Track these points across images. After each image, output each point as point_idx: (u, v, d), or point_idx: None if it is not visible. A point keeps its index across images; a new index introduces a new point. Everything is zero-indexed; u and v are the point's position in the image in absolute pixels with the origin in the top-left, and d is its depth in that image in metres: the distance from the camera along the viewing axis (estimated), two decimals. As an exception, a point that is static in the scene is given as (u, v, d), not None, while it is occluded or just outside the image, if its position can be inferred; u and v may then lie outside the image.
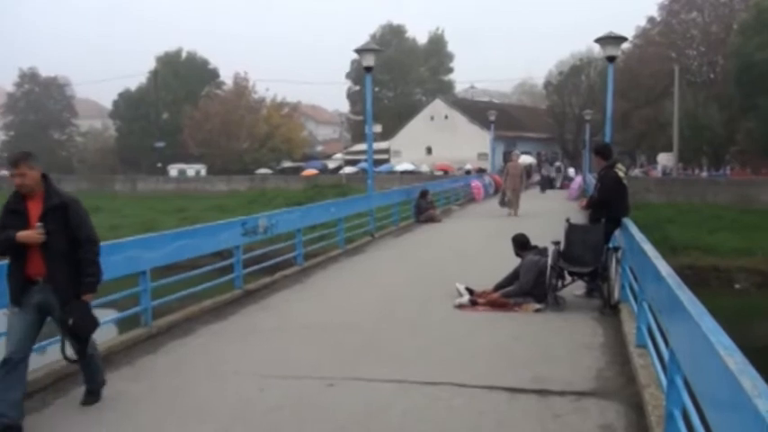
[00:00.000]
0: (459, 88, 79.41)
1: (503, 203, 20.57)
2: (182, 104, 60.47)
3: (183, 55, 68.15)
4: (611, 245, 8.64)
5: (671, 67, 43.66)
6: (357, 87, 68.78)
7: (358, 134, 64.08)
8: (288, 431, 4.82)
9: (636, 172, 48.97)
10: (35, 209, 4.82)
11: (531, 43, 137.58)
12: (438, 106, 60.38)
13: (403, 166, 53.23)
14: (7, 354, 4.75)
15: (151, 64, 67.03)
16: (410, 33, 75.93)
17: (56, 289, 4.82)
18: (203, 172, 55.71)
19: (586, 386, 5.56)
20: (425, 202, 19.70)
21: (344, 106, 76.64)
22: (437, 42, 76.86)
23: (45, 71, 73.76)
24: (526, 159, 45.45)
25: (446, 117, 58.55)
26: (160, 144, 55.98)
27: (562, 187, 37.53)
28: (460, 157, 52.39)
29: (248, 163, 56.51)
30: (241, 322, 8.10)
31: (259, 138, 58.69)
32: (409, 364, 6.23)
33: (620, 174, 8.81)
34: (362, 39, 72.37)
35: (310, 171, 52.76)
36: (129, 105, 66.51)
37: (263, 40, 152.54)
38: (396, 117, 64.36)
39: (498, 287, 8.68)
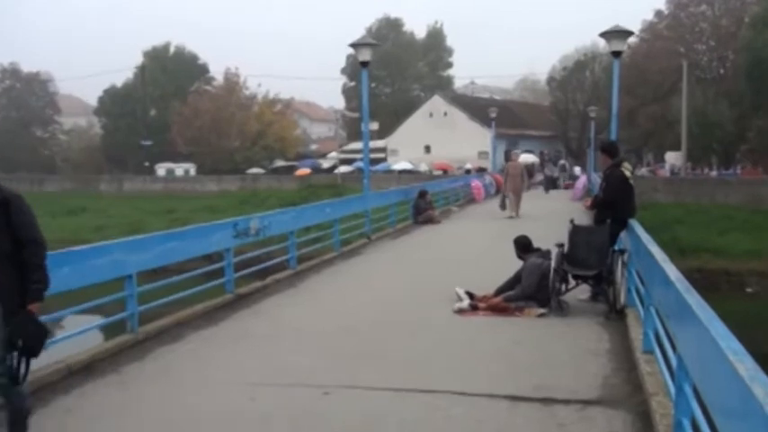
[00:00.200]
0: (459, 84, 79.52)
1: (503, 206, 20.57)
2: (170, 101, 60.28)
3: (172, 49, 67.97)
4: (616, 247, 8.65)
5: (679, 63, 43.76)
6: (353, 83, 68.75)
7: (354, 132, 63.96)
8: (280, 441, 4.82)
9: (643, 171, 49.05)
10: None
11: (534, 37, 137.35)
12: (437, 103, 60.36)
13: (400, 165, 53.19)
14: None
15: (138, 59, 66.91)
16: (408, 27, 75.89)
17: None
18: (192, 171, 55.59)
19: (592, 394, 5.57)
20: (424, 203, 19.70)
21: (340, 103, 76.63)
22: (436, 36, 76.83)
23: (27, 66, 73.70)
24: (528, 158, 45.58)
25: (445, 114, 58.55)
26: (147, 142, 55.85)
27: (566, 187, 37.60)
28: (460, 155, 52.37)
29: (239, 162, 56.41)
30: (232, 328, 8.09)
31: (251, 136, 58.59)
32: (407, 371, 6.23)
33: (627, 173, 8.82)
34: (358, 32, 72.54)
35: (303, 171, 52.72)
36: (115, 102, 66.33)
37: (255, 34, 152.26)
38: (393, 114, 64.33)
39: (499, 291, 8.68)
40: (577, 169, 44.04)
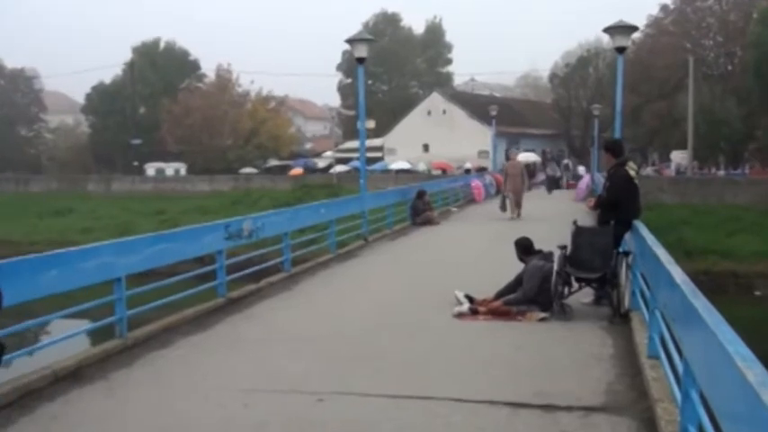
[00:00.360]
0: (459, 81, 79.57)
1: (503, 207, 20.58)
2: (160, 98, 60.21)
3: (162, 45, 67.85)
4: (621, 249, 8.66)
5: (685, 59, 43.83)
6: (349, 80, 68.75)
7: (350, 130, 64.11)
8: (274, 450, 4.81)
9: (648, 171, 49.14)
10: None
11: (536, 33, 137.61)
12: (436, 100, 60.39)
13: (398, 164, 53.21)
14: None
15: (127, 55, 66.84)
16: (405, 22, 75.96)
17: None
18: (183, 171, 55.56)
19: (595, 401, 5.57)
20: (422, 204, 19.71)
21: (335, 100, 76.71)
22: (434, 32, 76.89)
23: (11, 62, 73.59)
24: (530, 157, 45.63)
25: (444, 112, 58.58)
26: (136, 141, 55.79)
27: (569, 187, 37.65)
28: (460, 154, 52.41)
29: (232, 161, 56.38)
30: (224, 333, 8.09)
31: (243, 134, 58.58)
32: (404, 377, 6.23)
33: (632, 172, 8.84)
34: (354, 28, 72.69)
35: (296, 171, 52.71)
36: (103, 99, 66.22)
37: (248, 30, 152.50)
38: (390, 112, 64.32)
39: (500, 294, 8.68)
40: (581, 169, 44.09)
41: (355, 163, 45.00)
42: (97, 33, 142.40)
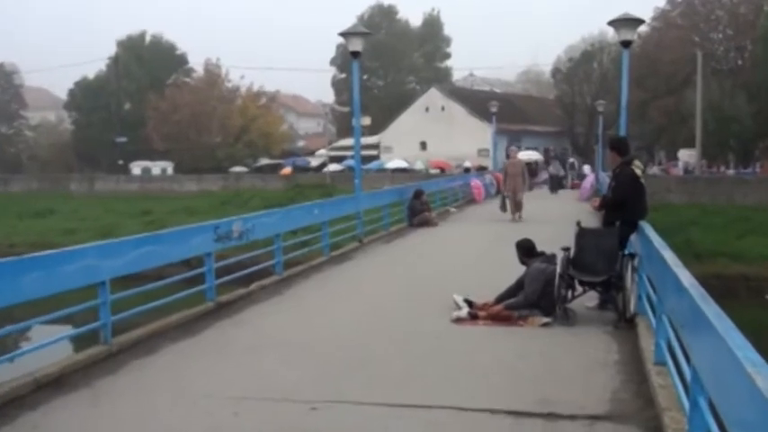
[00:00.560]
0: (458, 76, 79.72)
1: (503, 208, 20.59)
2: (146, 94, 60.12)
3: (148, 39, 67.90)
4: (626, 251, 8.67)
5: (693, 53, 43.90)
6: (343, 75, 68.85)
7: (344, 127, 63.99)
8: (265, 461, 4.81)
9: (654, 170, 49.22)
10: None
11: (538, 26, 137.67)
12: (433, 96, 60.43)
13: (394, 163, 53.20)
14: None
15: (111, 49, 66.92)
16: (402, 15, 76.16)
17: None
18: (170, 170, 55.55)
19: (600, 409, 5.58)
20: (420, 204, 19.72)
21: (329, 96, 76.73)
22: (432, 25, 77.01)
23: (-10, 57, 73.53)
24: (531, 156, 45.67)
25: (442, 108, 58.62)
26: (121, 139, 55.73)
27: (574, 186, 37.68)
28: (459, 153, 52.45)
29: (221, 160, 56.37)
30: (213, 338, 8.08)
31: (233, 131, 58.56)
32: (401, 385, 6.24)
33: (638, 171, 8.85)
34: (349, 20, 72.54)
35: (285, 170, 52.66)
36: (87, 95, 66.20)
37: (238, 23, 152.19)
38: (386, 108, 64.42)
39: (501, 299, 8.68)
40: (587, 168, 44.11)
41: (350, 161, 44.97)
42: (81, 26, 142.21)
